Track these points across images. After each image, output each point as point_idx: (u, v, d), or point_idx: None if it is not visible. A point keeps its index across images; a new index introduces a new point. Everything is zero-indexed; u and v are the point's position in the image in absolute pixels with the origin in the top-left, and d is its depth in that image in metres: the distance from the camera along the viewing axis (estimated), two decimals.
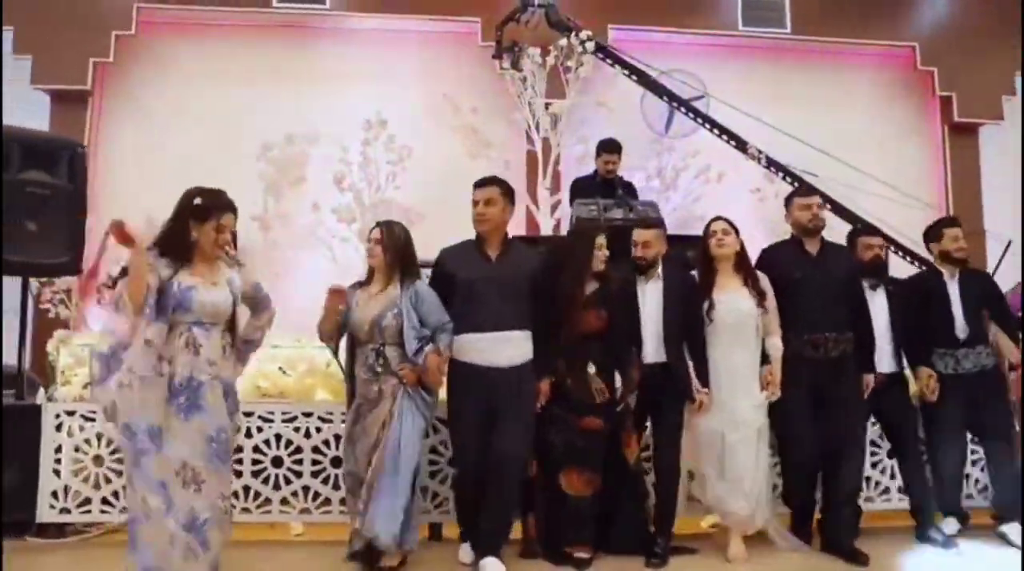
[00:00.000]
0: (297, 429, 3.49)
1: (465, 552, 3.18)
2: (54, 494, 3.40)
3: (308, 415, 3.51)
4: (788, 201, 3.58)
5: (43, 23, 6.33)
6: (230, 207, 2.64)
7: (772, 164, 6.48)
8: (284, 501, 3.47)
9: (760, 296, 3.27)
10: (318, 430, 3.51)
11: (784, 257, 3.49)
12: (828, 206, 6.46)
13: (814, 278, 3.38)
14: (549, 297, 3.16)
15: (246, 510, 3.45)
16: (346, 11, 6.76)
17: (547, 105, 6.30)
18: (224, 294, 2.60)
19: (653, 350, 3.24)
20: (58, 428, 3.42)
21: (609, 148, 5.04)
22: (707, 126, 6.68)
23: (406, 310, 2.96)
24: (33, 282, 5.69)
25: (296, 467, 3.49)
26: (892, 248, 6.16)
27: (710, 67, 7.00)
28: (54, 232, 3.68)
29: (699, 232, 5.55)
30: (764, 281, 3.34)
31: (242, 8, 6.63)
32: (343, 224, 5.94)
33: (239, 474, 3.43)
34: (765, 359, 3.28)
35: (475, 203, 3.20)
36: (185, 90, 6.61)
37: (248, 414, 3.47)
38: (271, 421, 3.50)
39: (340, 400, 3.53)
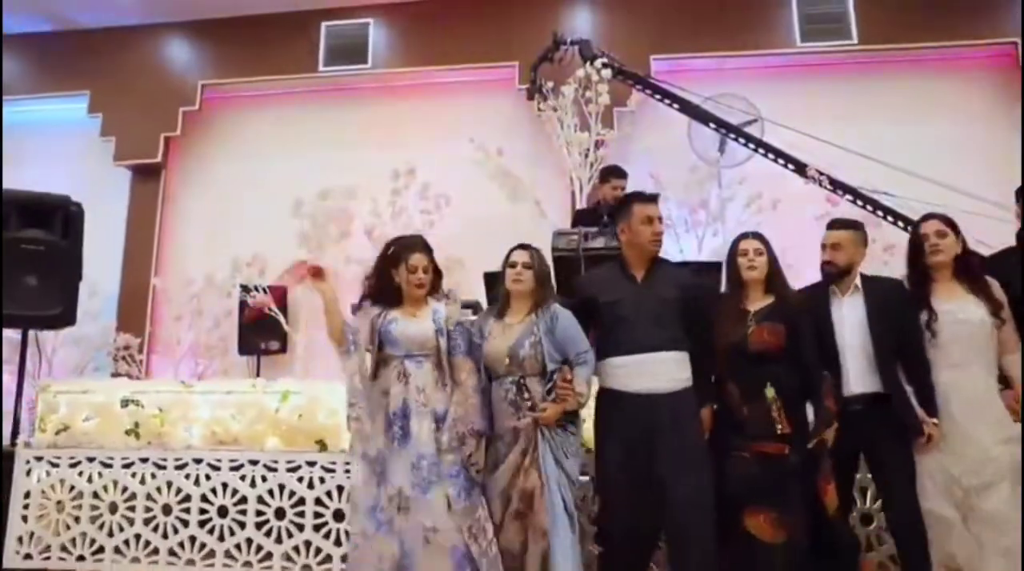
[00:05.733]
0: (243, 478, 3.37)
1: None
2: (19, 539, 3.48)
3: (254, 463, 3.40)
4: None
5: (124, 107, 7.04)
6: (417, 247, 2.77)
7: (838, 186, 5.80)
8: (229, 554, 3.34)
9: (995, 305, 2.67)
10: (263, 479, 3.37)
11: (1009, 268, 2.85)
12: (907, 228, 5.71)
13: None
14: (707, 313, 2.75)
15: (191, 562, 3.34)
16: (387, 68, 6.96)
17: (597, 143, 6.09)
18: (425, 325, 2.69)
19: (857, 377, 2.68)
20: (28, 474, 3.53)
21: (618, 174, 4.78)
22: (761, 151, 6.13)
23: (544, 336, 2.66)
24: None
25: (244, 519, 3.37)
26: None
27: (766, 89, 6.43)
28: (50, 286, 3.92)
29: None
30: (996, 288, 2.72)
31: (291, 76, 7.02)
32: None
33: (185, 523, 3.36)
34: (1004, 382, 2.69)
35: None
36: (243, 157, 7.05)
37: (198, 461, 3.41)
38: (218, 469, 3.42)
39: (291, 447, 3.41)
